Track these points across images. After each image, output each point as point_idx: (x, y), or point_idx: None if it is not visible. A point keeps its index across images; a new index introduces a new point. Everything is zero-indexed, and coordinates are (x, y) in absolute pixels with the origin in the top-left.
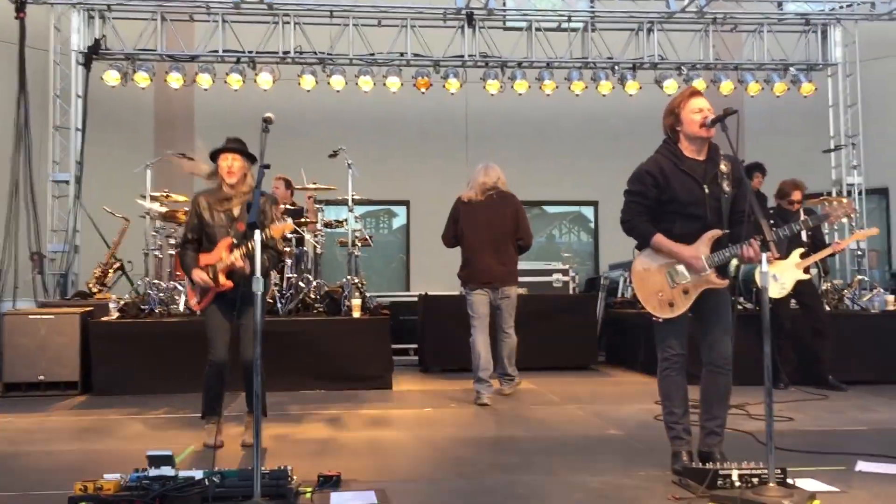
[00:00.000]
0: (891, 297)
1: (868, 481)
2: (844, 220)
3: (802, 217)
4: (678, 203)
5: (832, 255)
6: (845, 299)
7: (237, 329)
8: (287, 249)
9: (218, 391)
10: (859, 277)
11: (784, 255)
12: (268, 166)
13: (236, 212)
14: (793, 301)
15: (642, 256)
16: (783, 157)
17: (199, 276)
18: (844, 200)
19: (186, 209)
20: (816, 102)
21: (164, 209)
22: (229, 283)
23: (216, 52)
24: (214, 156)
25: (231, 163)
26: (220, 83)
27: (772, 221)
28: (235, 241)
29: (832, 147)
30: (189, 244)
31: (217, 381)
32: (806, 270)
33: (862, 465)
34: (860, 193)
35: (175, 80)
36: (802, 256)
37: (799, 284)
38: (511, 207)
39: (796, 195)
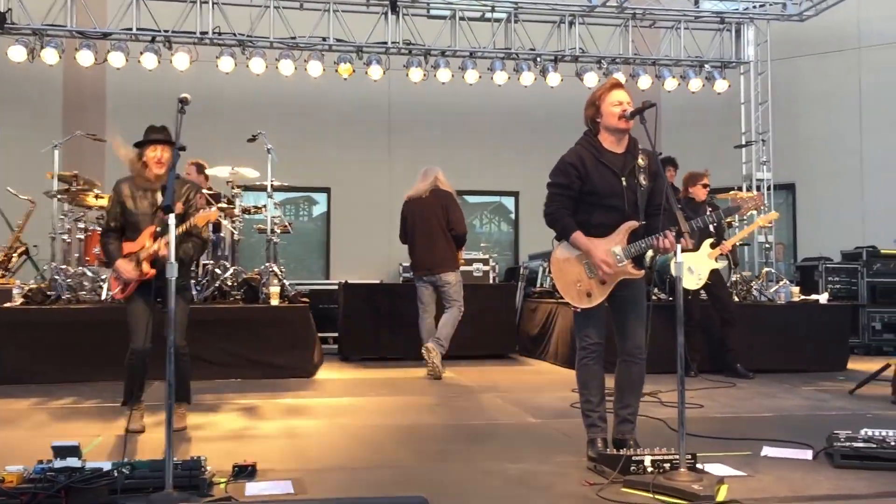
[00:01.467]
0: (796, 289)
1: (773, 465)
2: (753, 212)
3: (709, 209)
4: (597, 195)
5: (741, 243)
6: (753, 291)
7: (160, 317)
8: (211, 238)
9: (140, 379)
10: (766, 269)
11: (695, 247)
12: (183, 148)
13: (160, 199)
14: (701, 292)
15: (562, 247)
16: (697, 151)
17: (124, 267)
18: (754, 193)
19: (97, 192)
20: (729, 99)
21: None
22: (152, 272)
23: (130, 29)
24: (140, 144)
25: (160, 154)
26: (133, 63)
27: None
28: (159, 228)
29: (743, 143)
30: (112, 232)
31: (139, 369)
32: (716, 260)
33: (767, 450)
34: (769, 188)
35: (85, 58)
36: (712, 247)
37: (711, 275)
38: (442, 201)
39: (701, 186)
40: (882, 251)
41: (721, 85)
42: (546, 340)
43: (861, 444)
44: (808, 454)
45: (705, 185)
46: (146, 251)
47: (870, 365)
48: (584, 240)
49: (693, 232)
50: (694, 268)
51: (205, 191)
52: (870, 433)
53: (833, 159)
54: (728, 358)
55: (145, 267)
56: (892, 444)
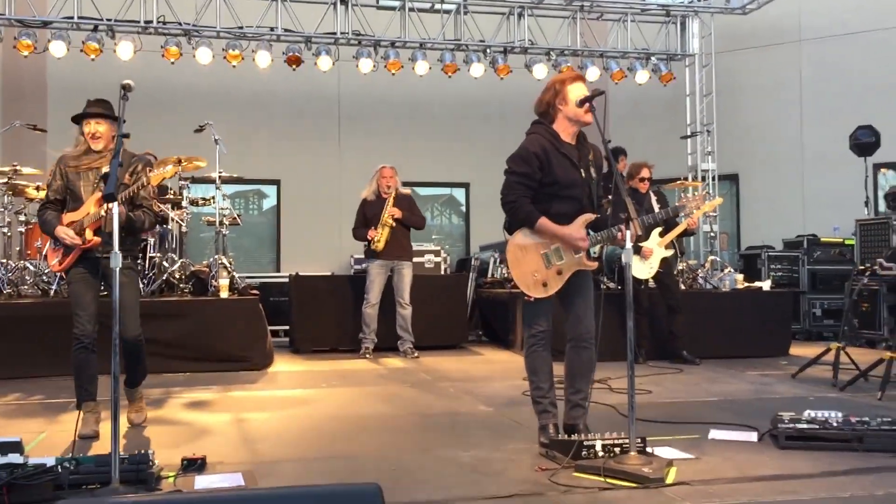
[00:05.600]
0: (739, 277)
1: (720, 448)
2: (654, 200)
3: (655, 201)
4: (558, 185)
5: (687, 230)
6: (699, 278)
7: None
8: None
9: (90, 371)
10: (711, 258)
11: (645, 236)
12: (126, 135)
13: (105, 169)
14: (650, 280)
15: (520, 236)
16: (644, 142)
17: (63, 231)
18: (699, 191)
19: (38, 184)
20: (675, 91)
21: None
22: (96, 240)
23: (71, 18)
24: (77, 120)
25: (94, 128)
26: (75, 52)
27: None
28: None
29: (689, 134)
30: (50, 205)
31: (86, 359)
32: (666, 248)
33: (714, 433)
34: (713, 179)
35: (25, 46)
36: (661, 235)
37: (661, 262)
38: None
39: (645, 173)
40: (822, 239)
41: (667, 76)
42: (498, 330)
43: (805, 426)
44: (753, 436)
45: (642, 180)
46: (90, 217)
47: (811, 350)
48: (552, 225)
49: (646, 227)
50: (646, 257)
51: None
52: (813, 415)
53: (775, 150)
54: (675, 345)
55: (89, 234)
56: (835, 425)
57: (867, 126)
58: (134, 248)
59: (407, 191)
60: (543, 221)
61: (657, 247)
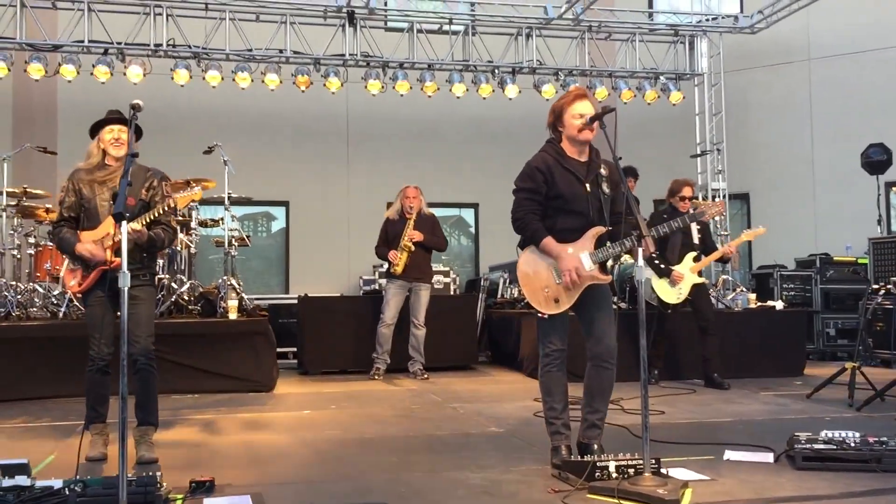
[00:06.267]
0: (752, 296)
1: (736, 469)
2: (717, 217)
3: (695, 226)
4: (562, 199)
5: (723, 257)
6: (711, 298)
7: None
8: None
9: (102, 392)
10: (724, 277)
11: (678, 259)
12: (136, 155)
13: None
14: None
15: (529, 253)
16: (653, 161)
17: (85, 247)
18: (717, 200)
19: (48, 206)
20: (684, 110)
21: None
22: (118, 260)
23: (81, 41)
24: (95, 130)
25: (118, 134)
26: (85, 75)
27: (665, 216)
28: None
29: (699, 153)
30: (65, 223)
31: (100, 381)
32: (699, 275)
33: (730, 454)
34: (724, 197)
35: (36, 70)
36: (695, 260)
37: (693, 288)
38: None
39: (686, 192)
40: (835, 258)
41: (676, 96)
42: (508, 351)
43: (822, 446)
44: (769, 457)
45: (682, 199)
46: (111, 237)
47: (825, 370)
48: (555, 245)
49: (655, 239)
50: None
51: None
52: (830, 435)
53: (786, 168)
54: (706, 368)
55: (109, 255)
56: (852, 445)
57: (879, 144)
58: (153, 265)
59: (430, 212)
60: (547, 241)
61: (689, 272)
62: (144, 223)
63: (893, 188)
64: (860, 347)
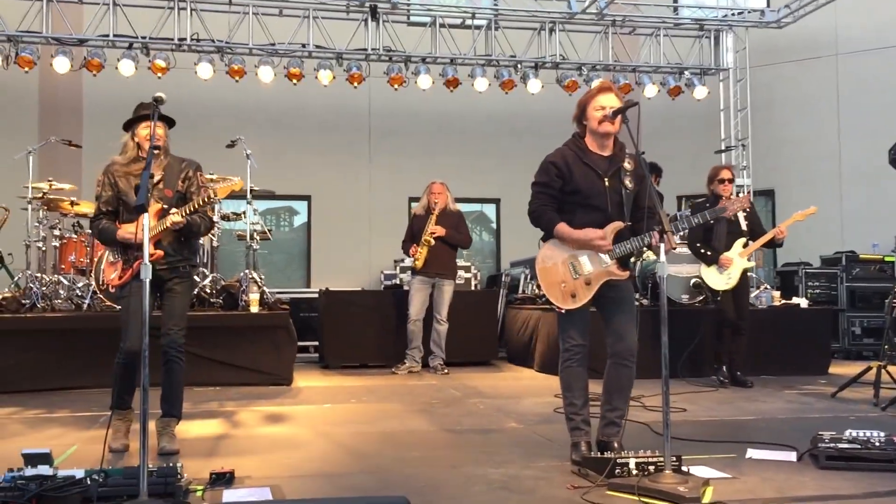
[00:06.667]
0: (776, 294)
1: (758, 467)
2: (741, 213)
3: (743, 216)
4: (580, 194)
5: (774, 240)
6: (751, 296)
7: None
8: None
9: (129, 381)
10: (749, 274)
11: (727, 246)
12: (158, 148)
13: (157, 178)
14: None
15: (547, 247)
16: (677, 158)
17: (126, 232)
18: (742, 195)
19: (73, 199)
20: (709, 105)
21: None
22: (159, 252)
23: (106, 36)
24: (129, 124)
25: (156, 130)
26: (110, 69)
27: (707, 205)
28: (165, 206)
29: (723, 148)
30: (103, 216)
31: (129, 372)
32: (748, 259)
33: (752, 453)
34: (749, 194)
35: (61, 64)
36: (744, 246)
37: (741, 278)
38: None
39: (725, 174)
40: (861, 256)
41: (701, 91)
42: (531, 347)
43: (846, 445)
44: (792, 456)
45: (721, 181)
46: (152, 230)
47: (851, 369)
48: (569, 229)
49: (675, 232)
50: (725, 268)
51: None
52: (854, 434)
53: (812, 165)
54: (731, 365)
55: (150, 248)
56: (877, 444)
57: None
58: (193, 258)
59: (456, 207)
60: (560, 226)
61: (738, 257)
62: (187, 213)
63: None
64: (886, 346)
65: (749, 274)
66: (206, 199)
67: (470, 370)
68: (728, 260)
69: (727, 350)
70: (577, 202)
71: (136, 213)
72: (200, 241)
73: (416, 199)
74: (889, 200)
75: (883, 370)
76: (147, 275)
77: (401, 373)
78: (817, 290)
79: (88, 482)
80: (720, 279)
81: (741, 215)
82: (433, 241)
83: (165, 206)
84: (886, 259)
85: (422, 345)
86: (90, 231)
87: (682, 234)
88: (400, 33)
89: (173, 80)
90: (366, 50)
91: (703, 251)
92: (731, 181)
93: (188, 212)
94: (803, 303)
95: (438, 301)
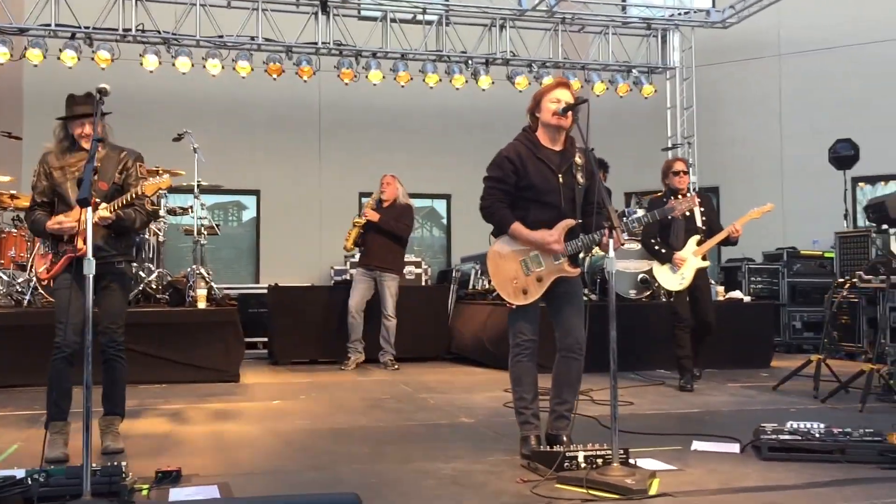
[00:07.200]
0: (720, 289)
1: (703, 459)
2: (688, 213)
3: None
4: (534, 190)
5: (729, 238)
6: (712, 293)
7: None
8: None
9: (65, 386)
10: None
11: (681, 244)
12: (101, 140)
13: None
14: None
15: (499, 243)
16: (625, 154)
17: (55, 220)
18: (689, 195)
19: (13, 192)
20: (656, 103)
21: None
22: (83, 248)
23: (48, 25)
24: (64, 118)
25: (89, 129)
26: (52, 59)
27: (664, 200)
28: (98, 199)
29: (670, 146)
30: (38, 207)
31: (65, 372)
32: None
33: (697, 445)
34: (694, 191)
35: (1, 54)
36: (699, 244)
37: (697, 273)
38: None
39: (678, 165)
40: (801, 252)
41: (648, 89)
42: (481, 342)
43: (787, 437)
44: (735, 448)
45: (676, 173)
46: (82, 224)
47: (791, 362)
48: (524, 231)
49: (624, 230)
50: (678, 268)
51: None
52: (795, 426)
53: (755, 163)
54: (694, 363)
55: (79, 243)
56: (817, 436)
57: (846, 139)
58: (130, 252)
59: (407, 201)
60: (515, 226)
61: (692, 256)
62: (117, 208)
63: (860, 183)
64: (825, 340)
65: (708, 264)
66: (135, 195)
67: (420, 366)
68: (681, 259)
69: (691, 352)
70: (531, 198)
71: (81, 206)
72: (146, 236)
73: (367, 195)
74: (829, 198)
75: (822, 363)
76: (90, 270)
77: (348, 368)
78: (759, 286)
79: (29, 482)
80: (673, 279)
81: (697, 212)
82: (362, 222)
83: (98, 200)
84: (826, 255)
85: (363, 337)
86: (24, 222)
87: (632, 230)
88: (350, 27)
89: (118, 71)
90: (316, 44)
91: (657, 248)
92: (686, 172)
93: (121, 205)
94: (746, 298)
95: (383, 297)
